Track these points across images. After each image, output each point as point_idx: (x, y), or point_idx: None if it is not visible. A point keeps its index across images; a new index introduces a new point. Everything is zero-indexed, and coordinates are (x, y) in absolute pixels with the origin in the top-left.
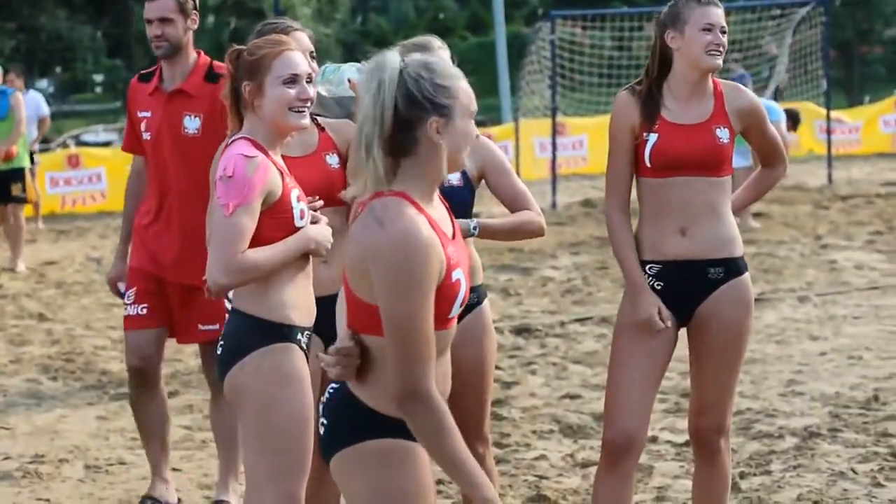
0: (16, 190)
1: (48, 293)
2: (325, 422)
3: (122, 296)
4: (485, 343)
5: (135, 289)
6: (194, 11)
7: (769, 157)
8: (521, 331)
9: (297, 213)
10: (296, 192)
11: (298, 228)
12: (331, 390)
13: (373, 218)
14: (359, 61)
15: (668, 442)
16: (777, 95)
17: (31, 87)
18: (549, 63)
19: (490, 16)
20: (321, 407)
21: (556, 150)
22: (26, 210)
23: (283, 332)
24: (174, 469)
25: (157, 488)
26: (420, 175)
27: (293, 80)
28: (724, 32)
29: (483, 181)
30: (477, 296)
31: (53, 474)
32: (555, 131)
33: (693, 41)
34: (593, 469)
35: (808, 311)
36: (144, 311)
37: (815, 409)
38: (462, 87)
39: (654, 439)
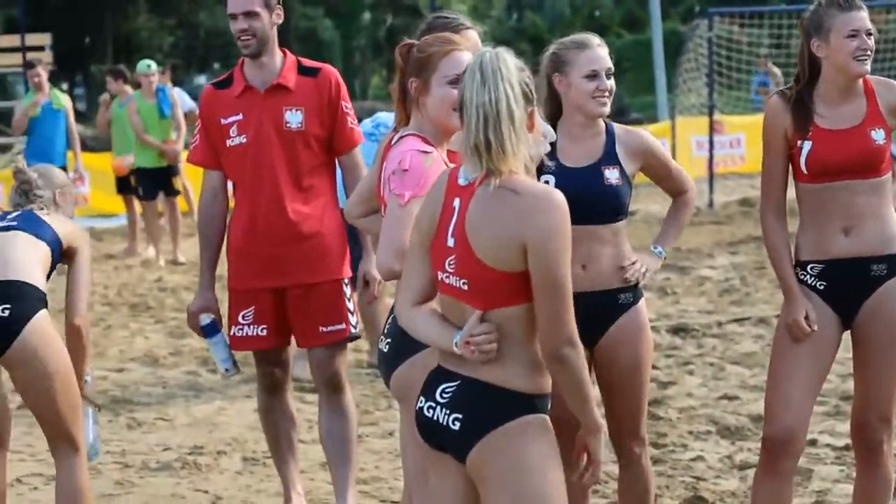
0: (177, 184)
1: None
2: (458, 416)
3: (202, 330)
4: (641, 342)
5: (252, 308)
6: (278, 6)
7: None
8: (677, 330)
9: None
10: None
11: None
12: (449, 387)
13: (505, 190)
14: None
15: (828, 445)
16: None
17: (187, 83)
18: (705, 61)
19: (646, 13)
20: (436, 408)
21: (713, 149)
22: (181, 205)
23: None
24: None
25: (294, 501)
26: (521, 155)
27: (458, 80)
28: (869, 35)
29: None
30: (633, 295)
31: (212, 466)
32: (712, 129)
33: (839, 49)
34: (751, 471)
35: None
36: (265, 331)
37: None
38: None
39: (813, 442)
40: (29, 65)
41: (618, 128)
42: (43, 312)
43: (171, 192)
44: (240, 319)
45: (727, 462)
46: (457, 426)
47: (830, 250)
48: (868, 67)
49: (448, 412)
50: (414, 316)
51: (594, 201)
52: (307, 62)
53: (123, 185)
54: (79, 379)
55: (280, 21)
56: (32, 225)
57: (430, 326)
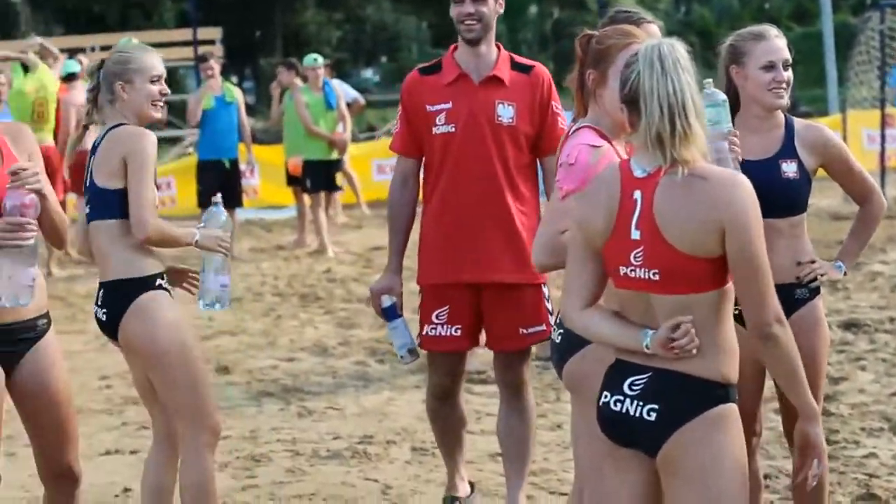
0: (338, 179)
1: (375, 278)
2: (654, 407)
3: (383, 312)
4: (816, 337)
5: (447, 307)
6: None
7: None
8: (849, 326)
9: None
10: None
11: None
12: (639, 380)
13: (691, 177)
14: None
15: None
16: None
17: (354, 77)
18: (877, 53)
19: (816, 6)
20: (625, 400)
21: (884, 142)
22: (348, 197)
23: None
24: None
25: (459, 488)
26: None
27: None
28: None
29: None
30: (809, 291)
31: (381, 455)
32: (884, 123)
33: None
34: None
35: None
36: (458, 332)
37: None
38: None
39: None
40: (202, 58)
41: (797, 122)
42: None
43: (333, 188)
44: (433, 318)
45: None
46: (652, 417)
47: None
48: None
49: (641, 404)
50: (588, 318)
51: (771, 195)
52: (519, 58)
53: (293, 178)
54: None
55: (502, 11)
56: None
57: (611, 327)
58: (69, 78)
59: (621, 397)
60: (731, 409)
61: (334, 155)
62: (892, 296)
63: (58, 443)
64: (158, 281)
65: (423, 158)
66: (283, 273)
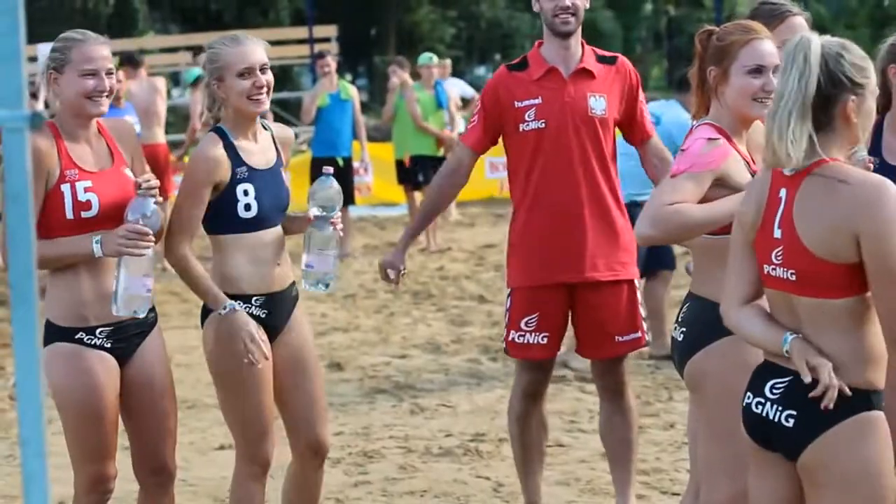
0: None
1: (487, 275)
2: (792, 413)
3: (389, 279)
4: None
5: (537, 314)
6: None
7: None
8: None
9: None
10: None
11: None
12: (780, 383)
13: (833, 180)
14: None
15: None
16: None
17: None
18: None
19: None
20: (765, 404)
21: None
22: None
23: None
24: None
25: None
26: (837, 146)
27: (758, 70)
28: None
29: None
30: None
31: (493, 453)
32: None
33: None
34: None
35: None
36: (546, 339)
37: None
38: (871, 69)
39: None
40: (318, 55)
41: None
42: None
43: None
44: (522, 325)
45: None
46: (790, 423)
47: None
48: None
49: (780, 409)
50: (741, 316)
51: None
52: (602, 51)
53: (403, 175)
54: None
55: (588, 4)
56: None
57: (757, 327)
58: (196, 82)
59: (762, 400)
60: (875, 416)
61: (441, 152)
62: None
63: (158, 438)
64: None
65: (508, 156)
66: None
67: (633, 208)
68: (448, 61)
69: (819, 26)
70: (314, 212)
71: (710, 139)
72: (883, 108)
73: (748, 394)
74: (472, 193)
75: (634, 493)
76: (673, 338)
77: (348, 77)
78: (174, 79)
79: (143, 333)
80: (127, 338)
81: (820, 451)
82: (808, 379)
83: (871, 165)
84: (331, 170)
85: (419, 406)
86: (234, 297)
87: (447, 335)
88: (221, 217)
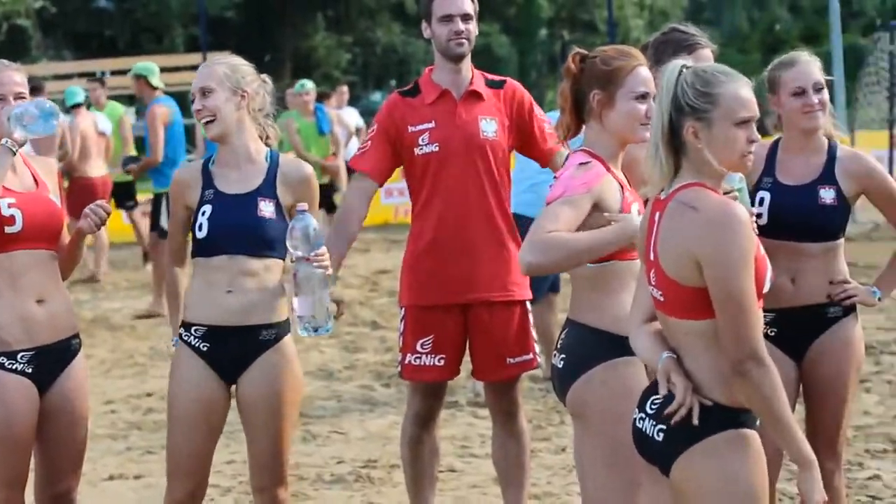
0: (337, 200)
1: (381, 301)
2: (662, 428)
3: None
4: (847, 357)
5: (432, 337)
6: None
7: None
8: None
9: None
10: (635, 207)
11: None
12: (657, 399)
13: (685, 206)
14: None
15: None
16: None
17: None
18: (887, 74)
19: (826, 26)
20: (645, 419)
21: (893, 164)
22: None
23: (626, 346)
24: None
25: None
26: (705, 172)
27: (644, 96)
28: None
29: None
30: (843, 310)
31: (385, 479)
32: (892, 144)
33: None
34: None
35: None
36: (442, 361)
37: None
38: (725, 94)
39: None
40: None
41: (841, 149)
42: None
43: (332, 210)
44: (417, 348)
45: None
46: (660, 438)
47: None
48: None
49: (654, 423)
50: (636, 334)
51: (807, 220)
52: (491, 76)
53: None
54: None
55: (477, 32)
56: None
57: (643, 345)
58: (75, 107)
59: (643, 415)
60: (746, 434)
61: (324, 180)
62: None
63: (68, 467)
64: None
65: (406, 181)
66: (288, 297)
67: None
68: (345, 88)
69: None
70: (292, 252)
71: (581, 164)
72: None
73: (635, 409)
74: (367, 219)
75: None
76: (553, 365)
77: None
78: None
79: (65, 360)
80: (49, 363)
81: (686, 466)
82: (663, 391)
83: (753, 220)
84: (305, 206)
85: (311, 433)
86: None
87: (340, 361)
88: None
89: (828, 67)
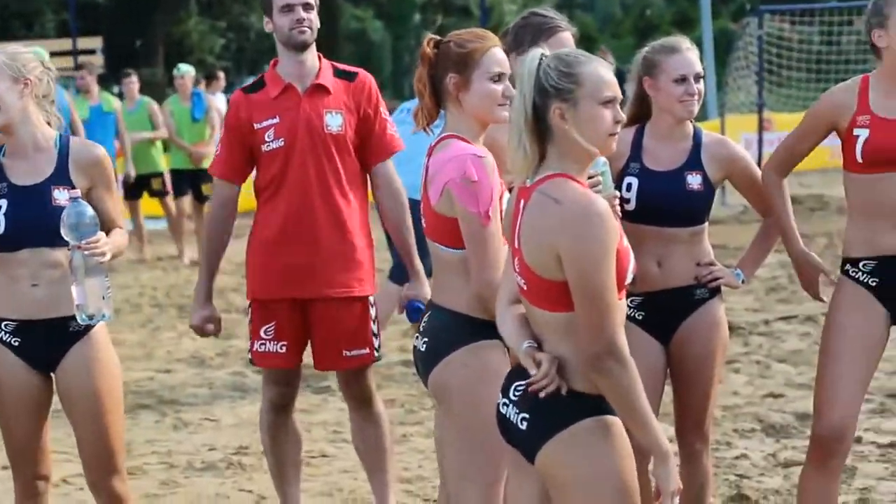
0: (206, 190)
1: None
2: (526, 416)
3: (210, 333)
4: (713, 337)
5: (274, 323)
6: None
7: None
8: None
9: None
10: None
11: None
12: (520, 385)
13: (547, 198)
14: None
15: (873, 443)
16: None
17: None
18: (756, 59)
19: (697, 12)
20: (509, 406)
21: (762, 147)
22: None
23: (488, 329)
24: None
25: None
26: (570, 159)
27: (500, 77)
28: None
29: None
30: (710, 291)
31: (256, 466)
32: (761, 127)
33: None
34: (795, 469)
35: None
36: (284, 348)
37: None
38: (588, 74)
39: (858, 440)
40: (79, 67)
41: (706, 135)
42: None
43: (201, 198)
44: (262, 334)
45: (771, 460)
46: (524, 426)
47: (884, 246)
48: None
49: (517, 411)
50: (503, 316)
51: (674, 206)
52: (342, 66)
53: (133, 193)
54: None
55: (318, 25)
56: None
57: (508, 328)
58: None
59: (507, 401)
60: (609, 420)
61: (191, 165)
62: (766, 299)
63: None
64: None
65: (254, 178)
66: (161, 284)
67: None
68: (221, 74)
69: (585, 36)
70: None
71: (479, 156)
72: (644, 116)
73: (499, 394)
74: (240, 205)
75: (395, 501)
76: (415, 347)
77: (115, 89)
78: None
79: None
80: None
81: (551, 455)
82: (533, 371)
83: (616, 202)
84: (78, 193)
85: (182, 421)
86: None
87: (212, 349)
88: None
89: (699, 52)
